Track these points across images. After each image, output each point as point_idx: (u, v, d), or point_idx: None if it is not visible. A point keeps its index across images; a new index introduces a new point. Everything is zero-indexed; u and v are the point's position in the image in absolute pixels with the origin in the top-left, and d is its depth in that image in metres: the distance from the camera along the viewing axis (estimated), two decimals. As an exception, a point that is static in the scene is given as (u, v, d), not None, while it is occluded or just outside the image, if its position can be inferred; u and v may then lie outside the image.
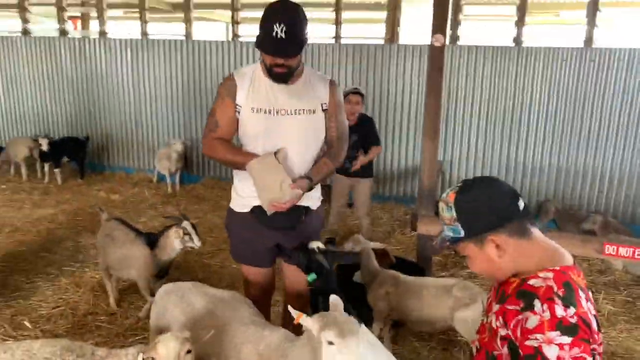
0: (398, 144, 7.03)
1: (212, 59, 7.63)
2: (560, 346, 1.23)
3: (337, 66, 7.03)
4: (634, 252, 3.40)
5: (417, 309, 3.38)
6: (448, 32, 5.04)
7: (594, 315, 1.34)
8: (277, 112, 2.52)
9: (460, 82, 6.66)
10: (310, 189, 2.56)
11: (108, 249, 3.95)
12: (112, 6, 8.73)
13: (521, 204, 1.41)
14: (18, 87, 8.71)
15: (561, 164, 6.56)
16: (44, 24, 9.85)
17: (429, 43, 3.98)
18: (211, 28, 12.62)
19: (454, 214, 1.43)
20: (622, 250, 3.44)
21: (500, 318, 1.40)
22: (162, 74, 7.91)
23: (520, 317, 1.32)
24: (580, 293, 1.33)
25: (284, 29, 2.29)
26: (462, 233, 1.43)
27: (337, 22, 7.33)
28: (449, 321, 3.29)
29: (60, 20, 8.57)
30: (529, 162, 6.65)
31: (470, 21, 7.66)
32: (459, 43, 6.80)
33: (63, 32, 8.59)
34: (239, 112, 2.55)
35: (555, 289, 1.31)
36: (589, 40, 6.31)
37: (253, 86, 2.54)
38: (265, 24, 2.34)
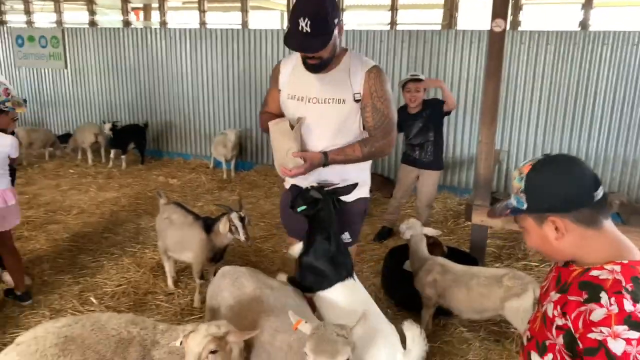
0: (454, 132, 6.86)
1: (267, 48, 7.70)
2: (628, 341, 1.17)
3: (392, 53, 6.91)
4: None
5: (465, 298, 3.35)
6: (509, 17, 4.84)
7: None
8: (308, 100, 2.57)
9: (520, 69, 6.41)
10: (324, 164, 2.55)
11: (166, 232, 4.09)
12: (172, -3, 9.01)
13: (599, 193, 1.35)
14: (85, 76, 9.16)
15: (628, 155, 6.21)
16: (109, 16, 10.28)
17: (489, 28, 3.88)
18: (267, 17, 12.79)
19: (523, 185, 1.39)
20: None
21: (559, 307, 1.35)
22: (218, 62, 8.08)
23: (583, 308, 1.27)
24: None
25: (309, 23, 2.26)
26: (525, 206, 1.40)
27: (393, 8, 7.23)
28: (499, 311, 3.24)
29: (124, 11, 8.93)
30: (592, 153, 6.33)
31: (532, 5, 7.34)
32: (519, 29, 6.54)
33: (127, 23, 8.96)
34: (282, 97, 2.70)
35: (624, 283, 1.25)
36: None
37: (294, 74, 2.62)
38: (292, 18, 2.33)
